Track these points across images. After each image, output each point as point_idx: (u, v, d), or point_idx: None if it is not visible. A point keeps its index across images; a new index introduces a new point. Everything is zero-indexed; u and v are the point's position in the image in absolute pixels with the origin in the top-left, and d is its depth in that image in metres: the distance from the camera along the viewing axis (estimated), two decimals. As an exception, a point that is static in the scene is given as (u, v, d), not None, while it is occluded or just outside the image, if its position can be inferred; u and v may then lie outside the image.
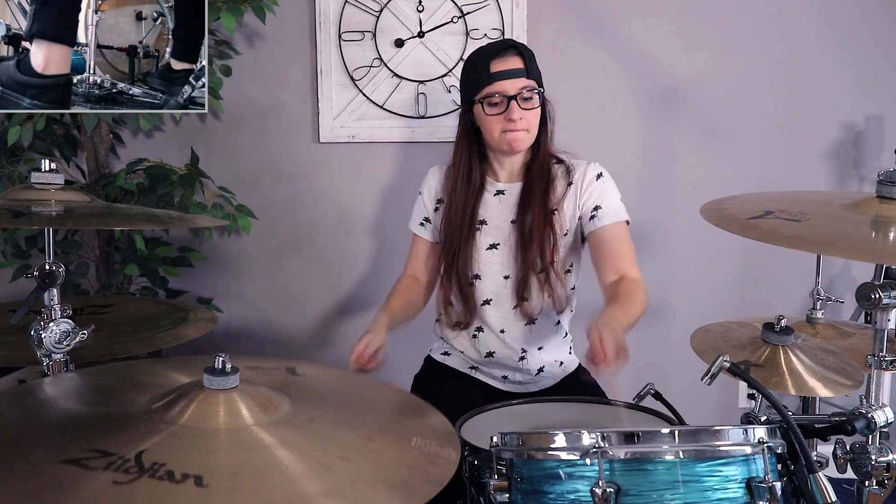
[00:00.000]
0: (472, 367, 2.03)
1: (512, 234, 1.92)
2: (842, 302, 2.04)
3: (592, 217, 1.87)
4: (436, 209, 2.01)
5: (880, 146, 2.72)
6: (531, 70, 1.85)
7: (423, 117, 2.64)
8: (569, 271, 1.95)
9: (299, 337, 2.79)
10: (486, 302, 1.94)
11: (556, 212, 1.89)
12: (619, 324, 1.53)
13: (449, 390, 1.98)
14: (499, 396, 2.01)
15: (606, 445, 1.07)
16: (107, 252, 2.42)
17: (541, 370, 1.98)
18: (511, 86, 1.81)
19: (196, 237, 2.66)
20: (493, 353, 1.97)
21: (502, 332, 1.95)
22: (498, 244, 1.92)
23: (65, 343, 1.33)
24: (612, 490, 1.04)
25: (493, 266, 1.93)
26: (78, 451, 0.97)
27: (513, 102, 1.81)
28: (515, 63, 1.83)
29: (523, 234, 1.89)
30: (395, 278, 2.08)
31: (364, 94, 2.62)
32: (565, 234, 1.91)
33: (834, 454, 1.28)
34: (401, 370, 2.15)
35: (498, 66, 1.82)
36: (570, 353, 2.06)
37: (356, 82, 2.61)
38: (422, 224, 2.05)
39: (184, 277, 2.56)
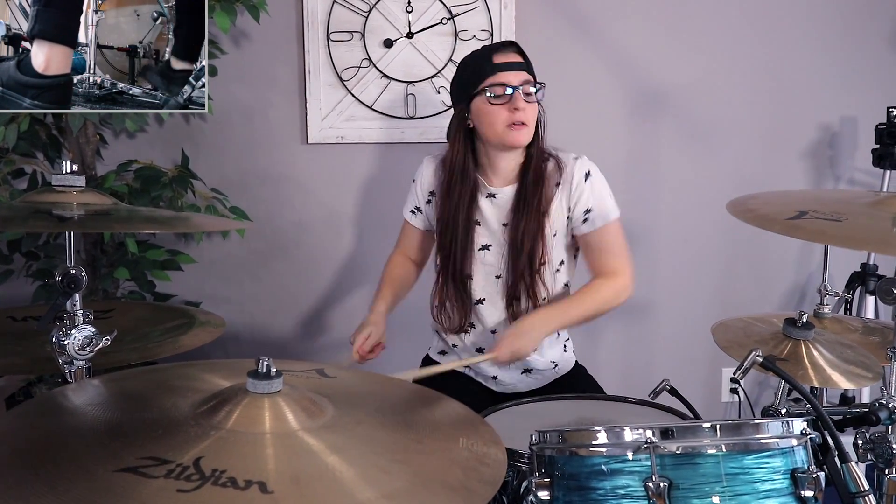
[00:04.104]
0: (467, 367, 2.02)
1: (504, 236, 1.92)
2: (848, 297, 2.10)
3: (585, 220, 1.89)
4: (428, 201, 2.02)
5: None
6: (530, 67, 1.87)
7: (412, 118, 2.63)
8: (558, 270, 1.95)
9: (287, 340, 2.76)
10: (480, 301, 1.95)
11: (546, 214, 1.89)
12: (532, 327, 1.82)
13: (449, 390, 1.97)
14: (499, 395, 2.02)
15: (657, 440, 1.08)
16: (94, 256, 2.35)
17: (528, 370, 1.99)
18: (514, 77, 1.82)
19: (183, 240, 2.61)
20: (483, 350, 1.98)
21: (494, 332, 1.96)
22: (490, 245, 1.93)
23: (87, 349, 1.29)
24: (664, 484, 1.06)
25: (485, 266, 1.94)
26: (132, 459, 0.95)
27: (516, 92, 1.81)
28: (516, 58, 1.85)
29: (515, 239, 1.89)
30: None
31: (353, 95, 2.61)
32: (555, 235, 1.92)
33: (854, 444, 1.33)
34: (400, 369, 2.14)
35: (500, 58, 1.83)
36: (566, 350, 2.06)
37: (345, 83, 2.60)
38: (413, 212, 2.07)
39: (170, 281, 2.51)
